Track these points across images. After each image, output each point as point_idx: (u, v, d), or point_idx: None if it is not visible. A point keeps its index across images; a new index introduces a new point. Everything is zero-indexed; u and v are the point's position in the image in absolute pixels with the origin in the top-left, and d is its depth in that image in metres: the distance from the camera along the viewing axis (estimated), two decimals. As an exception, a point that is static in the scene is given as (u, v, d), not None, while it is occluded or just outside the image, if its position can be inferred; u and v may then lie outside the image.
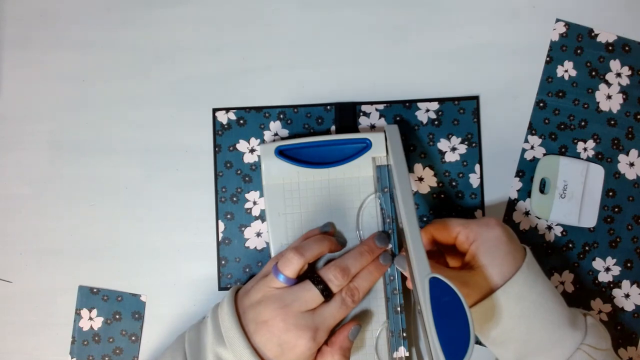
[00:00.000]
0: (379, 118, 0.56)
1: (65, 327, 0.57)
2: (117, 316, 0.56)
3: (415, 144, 0.56)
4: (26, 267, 0.57)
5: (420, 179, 0.56)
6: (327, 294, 0.47)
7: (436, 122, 0.56)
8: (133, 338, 0.56)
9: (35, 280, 0.57)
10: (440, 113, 0.56)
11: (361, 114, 0.57)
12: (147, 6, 0.58)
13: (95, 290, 0.57)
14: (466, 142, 0.56)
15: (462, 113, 0.56)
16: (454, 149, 0.56)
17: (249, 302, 0.47)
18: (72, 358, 0.56)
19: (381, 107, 0.56)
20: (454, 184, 0.56)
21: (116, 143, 0.58)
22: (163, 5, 0.58)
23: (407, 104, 0.56)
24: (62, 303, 0.57)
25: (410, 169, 0.56)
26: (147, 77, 0.58)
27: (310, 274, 0.48)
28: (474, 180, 0.56)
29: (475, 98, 0.56)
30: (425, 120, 0.56)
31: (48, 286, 0.57)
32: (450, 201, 0.56)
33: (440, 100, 0.56)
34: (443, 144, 0.56)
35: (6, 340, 0.57)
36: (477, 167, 0.56)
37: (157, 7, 0.58)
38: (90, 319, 0.56)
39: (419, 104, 0.56)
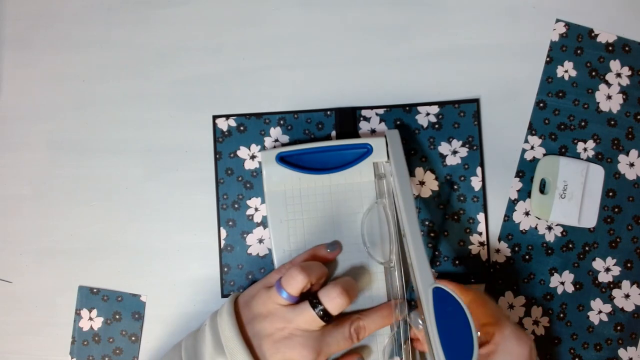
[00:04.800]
0: (379, 122, 0.56)
1: (65, 327, 0.57)
2: (117, 316, 0.56)
3: (416, 148, 0.56)
4: (26, 267, 0.57)
5: (422, 183, 0.56)
6: (328, 319, 0.46)
7: (437, 126, 0.56)
8: (133, 338, 0.56)
9: (35, 280, 0.57)
10: (440, 116, 0.56)
11: (361, 118, 0.56)
12: (147, 6, 0.58)
13: (95, 290, 0.57)
14: (467, 145, 0.56)
15: (462, 116, 0.56)
16: (455, 152, 0.56)
17: (251, 314, 0.47)
18: (72, 358, 0.56)
19: (381, 111, 0.56)
20: (455, 187, 0.56)
21: (116, 143, 0.58)
22: (163, 5, 0.58)
23: (407, 108, 0.56)
24: (62, 303, 0.57)
25: (412, 173, 0.56)
26: (147, 77, 0.58)
27: (311, 295, 0.47)
28: (476, 183, 0.56)
29: (476, 101, 0.56)
30: (425, 124, 0.56)
31: (48, 286, 0.57)
32: (452, 205, 0.56)
33: (441, 104, 0.56)
34: (444, 148, 0.56)
35: (6, 340, 0.57)
36: (478, 170, 0.56)
37: (157, 7, 0.58)
38: (90, 319, 0.56)
39: (419, 108, 0.56)
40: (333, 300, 0.46)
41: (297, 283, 0.46)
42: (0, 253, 0.58)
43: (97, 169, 0.58)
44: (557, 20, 0.57)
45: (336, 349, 0.47)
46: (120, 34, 0.58)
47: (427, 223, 0.55)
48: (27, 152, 0.58)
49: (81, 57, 0.58)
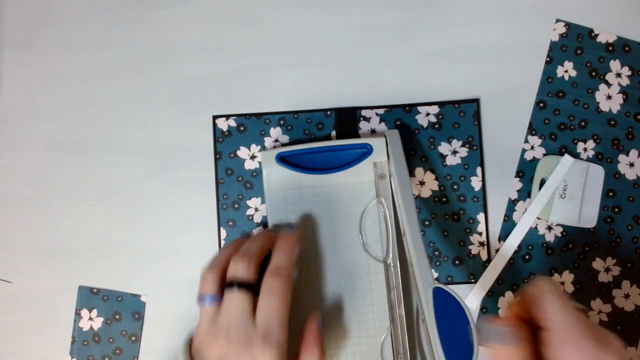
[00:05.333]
0: (379, 122, 0.56)
1: (65, 327, 0.57)
2: (117, 316, 0.56)
3: (416, 148, 0.56)
4: (26, 267, 0.57)
5: (422, 183, 0.56)
6: (247, 288, 0.42)
7: (437, 126, 0.56)
8: (133, 338, 0.56)
9: (35, 280, 0.57)
10: (440, 117, 0.56)
11: (361, 118, 0.56)
12: (147, 6, 0.58)
13: (95, 290, 0.57)
14: (467, 145, 0.56)
15: (462, 116, 0.56)
16: (455, 152, 0.56)
17: (195, 337, 0.44)
18: (72, 358, 0.56)
19: (381, 111, 0.56)
20: (455, 187, 0.56)
21: (116, 143, 0.58)
22: (163, 5, 0.58)
23: (407, 108, 0.56)
24: (62, 303, 0.57)
25: (412, 173, 0.56)
26: (147, 77, 0.58)
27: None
28: (476, 183, 0.56)
29: (476, 101, 0.56)
30: (425, 124, 0.56)
31: (48, 286, 0.57)
32: (452, 205, 0.56)
33: (441, 104, 0.56)
34: (444, 148, 0.56)
35: (6, 340, 0.57)
36: (478, 170, 0.56)
37: (157, 7, 0.58)
38: (90, 319, 0.56)
39: (419, 108, 0.56)
40: (236, 266, 0.43)
41: (208, 280, 0.44)
42: (0, 253, 0.58)
43: (97, 169, 0.58)
44: (557, 20, 0.57)
45: (276, 316, 0.41)
46: (120, 34, 0.58)
47: (426, 223, 0.56)
48: (27, 152, 0.58)
49: (81, 57, 0.58)
